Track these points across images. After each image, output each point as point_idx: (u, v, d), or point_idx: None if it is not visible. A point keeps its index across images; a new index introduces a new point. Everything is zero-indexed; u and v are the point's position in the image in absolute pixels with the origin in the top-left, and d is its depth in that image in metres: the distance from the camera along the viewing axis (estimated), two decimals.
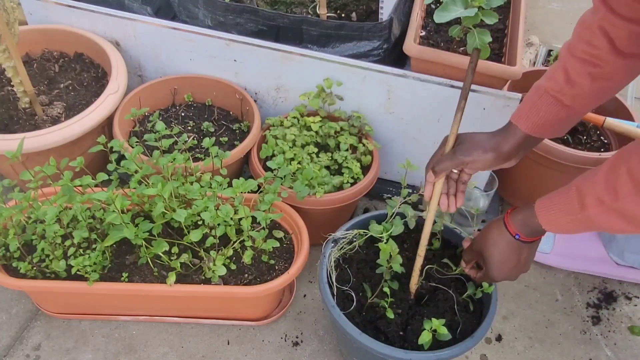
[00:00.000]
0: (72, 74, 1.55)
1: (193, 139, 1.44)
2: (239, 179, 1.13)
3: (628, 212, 0.74)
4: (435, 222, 1.14)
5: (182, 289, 1.15)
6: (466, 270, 1.06)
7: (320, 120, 1.41)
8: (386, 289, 1.05)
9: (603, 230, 0.81)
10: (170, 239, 1.17)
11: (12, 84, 1.41)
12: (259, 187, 1.21)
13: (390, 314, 1.03)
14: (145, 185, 1.17)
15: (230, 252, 1.19)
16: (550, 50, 1.94)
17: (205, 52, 1.47)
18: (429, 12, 1.46)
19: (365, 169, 1.38)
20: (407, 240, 1.20)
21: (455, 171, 1.01)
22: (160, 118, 1.50)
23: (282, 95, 1.50)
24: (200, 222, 1.20)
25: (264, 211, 1.14)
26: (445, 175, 0.98)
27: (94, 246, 1.16)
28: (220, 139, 1.47)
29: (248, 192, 1.18)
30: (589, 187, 0.78)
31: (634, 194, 0.72)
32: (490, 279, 0.98)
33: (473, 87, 1.29)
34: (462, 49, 1.33)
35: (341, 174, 1.35)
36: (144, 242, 1.11)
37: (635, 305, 1.43)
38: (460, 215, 1.37)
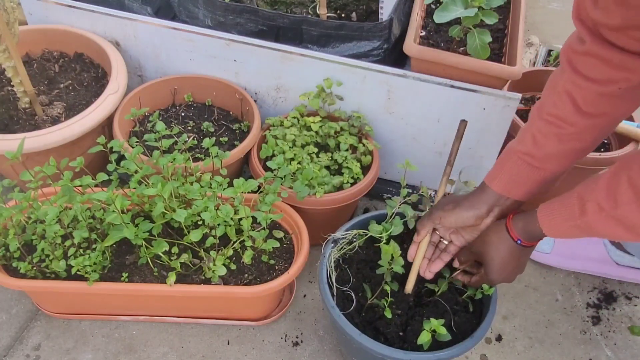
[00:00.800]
0: (72, 74, 1.55)
1: (193, 139, 1.44)
2: (239, 179, 1.13)
3: (627, 220, 0.74)
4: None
5: (182, 289, 1.15)
6: (459, 274, 1.06)
7: (320, 120, 1.41)
8: (387, 288, 1.05)
9: (602, 237, 0.82)
10: (170, 239, 1.17)
11: (12, 84, 1.41)
12: (259, 187, 1.22)
13: (389, 314, 1.03)
14: (145, 185, 1.17)
15: (230, 252, 1.19)
16: (550, 50, 1.94)
17: (205, 52, 1.47)
18: (429, 12, 1.46)
19: (365, 169, 1.38)
20: (407, 240, 1.19)
21: (445, 242, 1.05)
22: (160, 118, 1.50)
23: (282, 95, 1.50)
24: (200, 222, 1.20)
25: (264, 211, 1.14)
26: (427, 235, 1.04)
27: (94, 246, 1.16)
28: (220, 139, 1.47)
29: (248, 192, 1.18)
30: (589, 194, 0.79)
31: (633, 202, 0.72)
32: (488, 281, 0.99)
33: (473, 87, 1.29)
34: (462, 49, 1.33)
35: (341, 174, 1.35)
36: (144, 242, 1.11)
37: (635, 305, 1.43)
38: None
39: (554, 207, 0.85)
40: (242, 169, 1.54)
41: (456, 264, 1.06)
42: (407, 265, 1.11)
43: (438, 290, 1.08)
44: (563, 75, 0.82)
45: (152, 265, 1.18)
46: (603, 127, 0.85)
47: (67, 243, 1.16)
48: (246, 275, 1.20)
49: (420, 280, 1.10)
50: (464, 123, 1.03)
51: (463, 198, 0.99)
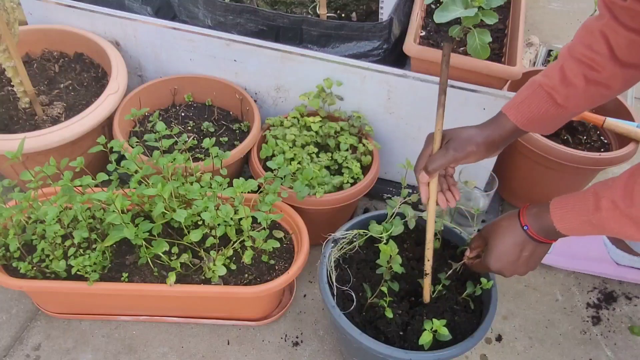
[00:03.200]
0: (72, 74, 1.55)
1: (193, 139, 1.44)
2: (239, 179, 1.13)
3: None
4: (435, 221, 1.14)
5: (182, 289, 1.15)
6: (467, 257, 1.05)
7: (320, 120, 1.41)
8: (384, 289, 1.05)
9: (612, 235, 0.81)
10: (170, 239, 1.17)
11: (12, 84, 1.41)
12: (259, 187, 1.21)
13: (390, 314, 1.03)
14: (145, 185, 1.17)
15: (230, 252, 1.19)
16: (550, 50, 1.94)
17: (205, 52, 1.47)
18: (429, 12, 1.46)
19: (365, 169, 1.38)
20: (407, 240, 1.20)
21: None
22: (160, 118, 1.50)
23: (282, 95, 1.50)
24: (200, 222, 1.21)
25: (264, 211, 1.14)
26: (438, 175, 0.99)
27: (94, 246, 1.16)
28: (220, 139, 1.47)
29: (248, 192, 1.18)
30: (606, 190, 0.78)
31: None
32: (485, 265, 0.97)
33: (473, 87, 1.29)
34: (462, 49, 1.33)
35: (341, 174, 1.35)
36: (144, 242, 1.11)
37: (635, 305, 1.43)
38: (460, 215, 1.37)
39: (569, 200, 0.85)
40: (242, 169, 1.54)
41: (467, 252, 1.05)
42: (407, 265, 1.11)
43: (434, 293, 1.08)
44: (601, 20, 0.81)
45: (152, 265, 1.18)
46: (632, 78, 0.83)
47: (67, 243, 1.16)
48: (246, 275, 1.20)
49: (418, 284, 1.10)
50: (448, 45, 0.97)
51: (476, 134, 0.94)
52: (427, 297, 1.07)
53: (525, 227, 0.91)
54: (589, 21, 0.84)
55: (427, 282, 1.06)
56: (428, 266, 1.05)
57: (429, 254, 1.04)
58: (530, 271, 0.96)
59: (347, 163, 1.35)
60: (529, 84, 0.91)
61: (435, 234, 1.16)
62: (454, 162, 0.95)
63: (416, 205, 1.14)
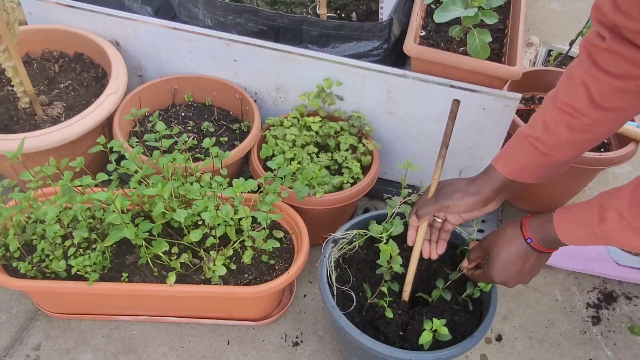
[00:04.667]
0: (72, 74, 1.55)
1: (193, 139, 1.44)
2: (239, 179, 1.13)
3: None
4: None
5: (182, 289, 1.15)
6: (465, 268, 1.05)
7: (320, 120, 1.41)
8: (384, 289, 1.05)
9: (618, 246, 0.80)
10: (170, 239, 1.17)
11: (12, 84, 1.41)
12: (259, 187, 1.21)
13: (390, 314, 1.03)
14: (145, 185, 1.17)
15: (230, 252, 1.19)
16: (550, 50, 1.94)
17: (205, 52, 1.47)
18: (429, 12, 1.46)
19: (365, 169, 1.38)
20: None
21: (439, 220, 1.04)
22: (160, 118, 1.50)
23: (282, 95, 1.50)
24: (200, 222, 1.20)
25: (264, 211, 1.14)
26: (427, 221, 1.01)
27: (94, 246, 1.16)
28: (220, 139, 1.47)
29: (248, 192, 1.18)
30: (611, 202, 0.78)
31: None
32: (489, 278, 0.97)
33: (473, 87, 1.29)
34: (462, 49, 1.33)
35: (341, 174, 1.35)
36: (144, 242, 1.11)
37: (635, 305, 1.43)
38: None
39: (573, 211, 0.84)
40: (242, 169, 1.54)
41: (465, 263, 1.05)
42: (407, 265, 1.11)
43: (433, 301, 1.08)
44: (581, 66, 0.81)
45: (152, 265, 1.18)
46: (616, 121, 0.84)
47: (67, 243, 1.16)
48: (246, 275, 1.20)
49: (417, 286, 1.10)
50: (456, 102, 1.00)
51: (468, 184, 0.96)
52: (406, 296, 1.08)
53: (529, 240, 0.90)
54: (570, 67, 0.85)
55: (408, 279, 1.07)
56: (406, 293, 1.07)
57: (406, 290, 1.07)
58: (534, 277, 0.96)
59: (347, 163, 1.35)
60: (515, 135, 0.93)
61: None
62: (442, 209, 0.97)
63: None
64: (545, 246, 0.90)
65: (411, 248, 1.18)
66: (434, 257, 1.06)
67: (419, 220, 1.01)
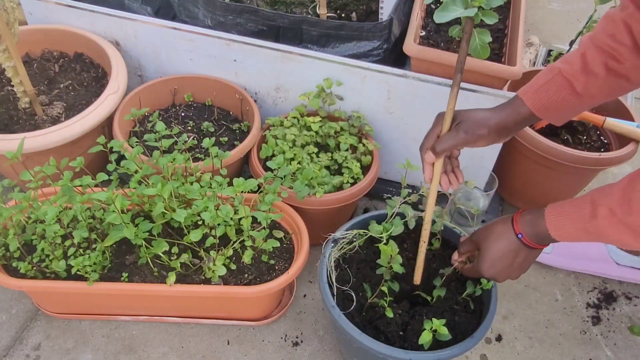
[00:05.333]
0: (72, 74, 1.55)
1: (193, 139, 1.44)
2: (239, 179, 1.13)
3: (639, 228, 0.73)
4: (434, 222, 1.14)
5: (182, 289, 1.15)
6: (455, 261, 1.05)
7: (320, 120, 1.41)
8: (385, 288, 1.05)
9: (608, 242, 0.80)
10: (170, 239, 1.17)
11: (12, 84, 1.41)
12: (259, 187, 1.21)
13: (390, 313, 1.03)
14: (145, 185, 1.17)
15: (230, 252, 1.19)
16: (550, 50, 1.94)
17: (205, 52, 1.47)
18: (429, 12, 1.46)
19: (365, 169, 1.38)
20: (407, 240, 1.20)
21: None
22: (160, 118, 1.50)
23: (282, 95, 1.50)
24: (200, 222, 1.20)
25: (264, 211, 1.14)
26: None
27: (94, 246, 1.16)
28: (220, 139, 1.47)
29: (248, 192, 1.18)
30: (603, 198, 0.77)
31: None
32: (478, 272, 0.96)
33: (473, 87, 1.29)
34: None
35: (341, 174, 1.35)
36: (144, 242, 1.11)
37: (635, 305, 1.43)
38: (460, 216, 1.37)
39: (564, 207, 0.83)
40: (242, 169, 1.54)
41: (455, 256, 1.05)
42: (407, 265, 1.11)
43: (433, 301, 1.08)
44: (625, 10, 0.80)
45: (152, 265, 1.18)
46: None
47: (67, 243, 1.16)
48: (246, 275, 1.20)
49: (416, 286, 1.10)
50: (470, 21, 0.94)
51: (489, 117, 0.90)
52: (417, 278, 1.06)
53: (519, 235, 0.89)
54: (612, 11, 0.82)
55: (419, 262, 1.05)
56: (423, 247, 1.04)
57: (424, 235, 1.02)
58: (523, 273, 0.95)
59: (347, 163, 1.35)
60: (547, 69, 0.88)
61: (435, 234, 1.17)
62: (464, 145, 0.92)
63: (416, 205, 1.14)
64: (536, 242, 0.89)
65: (411, 248, 1.19)
66: (456, 187, 0.99)
67: (437, 157, 0.93)
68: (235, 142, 1.46)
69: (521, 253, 0.91)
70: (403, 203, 1.14)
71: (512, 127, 0.91)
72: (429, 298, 1.08)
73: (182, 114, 1.53)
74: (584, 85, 0.84)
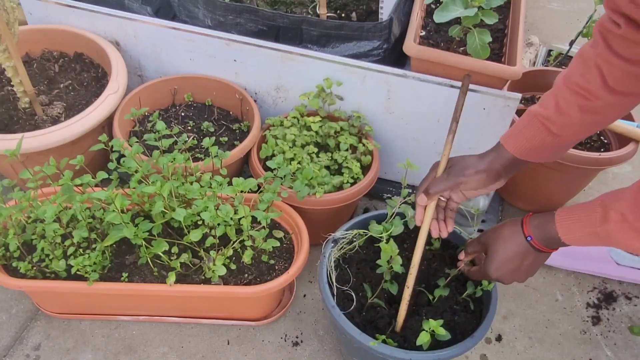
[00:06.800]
0: (72, 74, 1.55)
1: (193, 139, 1.44)
2: (238, 178, 1.13)
3: None
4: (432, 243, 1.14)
5: (182, 289, 1.15)
6: (461, 263, 1.05)
7: (320, 120, 1.41)
8: (386, 287, 1.05)
9: (618, 247, 0.80)
10: (170, 238, 1.17)
11: (12, 84, 1.41)
12: (259, 187, 1.21)
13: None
14: (146, 185, 1.16)
15: (230, 252, 1.19)
16: (550, 50, 1.94)
17: (205, 52, 1.47)
18: (429, 12, 1.46)
19: (365, 169, 1.38)
20: (407, 240, 1.20)
21: (444, 198, 1.02)
22: (160, 118, 1.50)
23: (282, 95, 1.50)
24: (200, 222, 1.20)
25: (263, 210, 1.14)
26: (437, 199, 1.00)
27: (93, 246, 1.16)
28: (220, 139, 1.47)
29: (248, 192, 1.18)
30: (614, 202, 0.78)
31: None
32: (485, 274, 0.97)
33: (473, 87, 1.29)
34: (462, 49, 1.33)
35: (341, 174, 1.35)
36: (143, 242, 1.11)
37: (635, 305, 1.43)
38: (460, 215, 1.37)
39: (575, 211, 0.84)
40: (242, 169, 1.54)
41: (461, 256, 1.05)
42: (407, 265, 1.11)
43: (434, 301, 1.08)
44: (595, 49, 0.81)
45: (152, 265, 1.18)
46: (627, 105, 0.83)
47: (67, 243, 1.16)
48: (246, 275, 1.20)
49: (418, 284, 1.10)
50: (468, 77, 0.99)
51: (478, 160, 0.95)
52: (398, 326, 1.05)
53: (529, 238, 0.90)
54: (584, 49, 0.85)
55: (402, 309, 1.04)
56: (407, 293, 1.03)
57: (410, 280, 1.03)
58: (530, 277, 0.96)
59: (347, 163, 1.35)
60: (526, 114, 0.92)
61: None
62: (454, 187, 0.96)
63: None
64: (545, 245, 0.89)
65: (411, 248, 1.18)
66: (445, 235, 1.04)
67: (429, 199, 0.98)
68: (235, 142, 1.46)
69: (530, 256, 0.92)
70: (403, 203, 1.14)
71: (500, 170, 0.94)
72: (430, 297, 1.08)
73: (182, 114, 1.53)
74: (559, 126, 0.87)
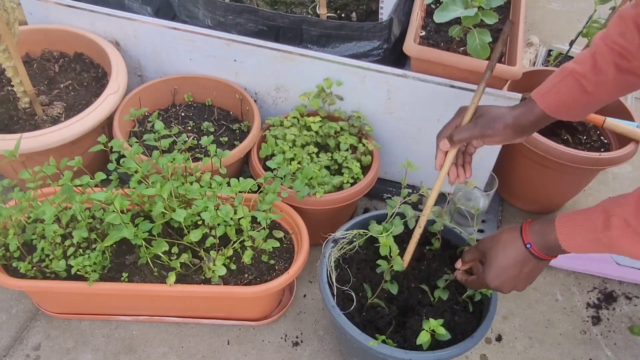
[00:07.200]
0: (72, 74, 1.55)
1: (193, 138, 1.44)
2: (238, 179, 1.13)
3: None
4: (434, 222, 1.14)
5: (182, 289, 1.15)
6: (458, 273, 1.04)
7: (320, 120, 1.41)
8: (386, 287, 1.05)
9: (620, 254, 0.78)
10: (170, 239, 1.17)
11: (12, 84, 1.41)
12: (259, 187, 1.21)
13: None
14: (145, 185, 1.16)
15: (230, 252, 1.19)
16: (550, 50, 1.94)
17: (205, 52, 1.47)
18: (429, 12, 1.46)
19: (365, 169, 1.38)
20: (407, 240, 1.19)
21: (466, 142, 1.00)
22: (160, 118, 1.50)
23: (282, 95, 1.50)
24: (200, 222, 1.20)
25: (264, 211, 1.14)
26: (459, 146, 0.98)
27: (93, 246, 1.16)
28: (220, 139, 1.47)
29: (248, 192, 1.18)
30: (617, 208, 0.76)
31: None
32: (483, 282, 0.94)
33: (473, 87, 1.29)
34: (462, 49, 1.33)
35: (341, 174, 1.35)
36: (143, 242, 1.11)
37: (635, 305, 1.43)
38: (460, 215, 1.37)
39: (576, 217, 0.82)
40: (242, 169, 1.54)
41: (458, 264, 1.04)
42: (407, 265, 1.10)
43: (434, 301, 1.08)
44: (636, 8, 0.81)
45: (152, 265, 1.18)
46: None
47: (67, 243, 1.16)
48: (246, 275, 1.20)
49: (417, 281, 1.10)
50: (510, 24, 0.97)
51: (507, 114, 0.94)
52: (405, 262, 1.06)
53: (528, 245, 0.88)
54: (624, 9, 0.84)
55: (410, 247, 1.05)
56: (417, 232, 1.04)
57: (422, 220, 1.04)
58: (530, 285, 0.94)
59: (347, 163, 1.35)
60: (559, 70, 0.91)
61: (435, 234, 1.17)
62: (480, 138, 0.95)
63: (416, 205, 1.14)
64: (545, 253, 0.87)
65: (415, 250, 1.19)
66: (462, 180, 1.03)
67: (452, 146, 0.97)
68: (235, 142, 1.46)
69: (529, 263, 0.89)
70: (403, 203, 1.14)
71: (527, 125, 0.93)
72: (431, 297, 1.08)
73: (182, 114, 1.53)
74: (595, 84, 0.86)
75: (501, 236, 0.93)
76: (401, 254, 1.08)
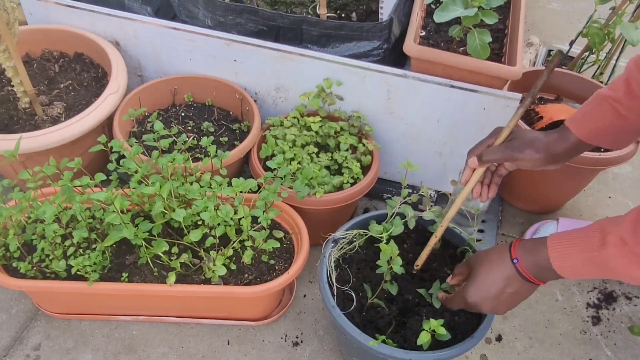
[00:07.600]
0: (72, 74, 1.55)
1: (193, 139, 1.44)
2: (238, 179, 1.13)
3: None
4: (434, 221, 1.13)
5: (182, 289, 1.15)
6: (449, 284, 1.03)
7: (320, 120, 1.41)
8: (386, 287, 1.05)
9: (614, 276, 0.76)
10: (170, 239, 1.17)
11: (12, 84, 1.41)
12: (259, 187, 1.21)
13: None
14: (145, 185, 1.16)
15: (230, 252, 1.19)
16: (550, 50, 1.94)
17: (205, 52, 1.47)
18: (429, 12, 1.46)
19: (365, 169, 1.38)
20: (407, 240, 1.20)
21: (495, 163, 1.00)
22: (160, 118, 1.50)
23: (282, 95, 1.50)
24: (200, 222, 1.20)
25: (263, 211, 1.14)
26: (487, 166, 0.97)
27: (93, 246, 1.16)
28: (220, 139, 1.47)
29: (248, 192, 1.18)
30: (613, 226, 0.74)
31: None
32: (463, 297, 0.92)
33: (473, 87, 1.29)
34: (462, 49, 1.33)
35: (341, 174, 1.35)
36: (143, 242, 1.11)
37: (635, 305, 1.43)
38: (461, 216, 1.37)
39: (570, 235, 0.80)
40: (242, 169, 1.54)
41: (449, 279, 1.03)
42: (407, 267, 1.10)
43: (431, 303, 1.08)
44: None
45: (152, 265, 1.18)
46: None
47: (67, 243, 1.16)
48: (246, 275, 1.20)
49: (416, 284, 1.10)
50: (559, 55, 0.96)
51: (539, 139, 0.92)
52: (419, 263, 1.06)
53: (515, 260, 0.84)
54: None
55: (425, 251, 1.06)
56: (433, 241, 1.05)
57: (439, 231, 1.04)
58: (510, 310, 0.91)
59: (347, 163, 1.35)
60: (593, 96, 0.90)
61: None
62: (510, 160, 0.94)
63: (416, 205, 1.14)
64: (533, 273, 0.84)
65: (411, 249, 1.19)
66: (484, 199, 1.02)
67: (480, 164, 0.96)
68: (235, 142, 1.46)
69: (514, 283, 0.85)
70: (403, 203, 1.14)
71: (560, 153, 0.92)
72: (429, 299, 1.08)
73: (182, 114, 1.53)
74: (629, 108, 0.85)
75: (489, 252, 0.91)
76: (401, 254, 1.07)
